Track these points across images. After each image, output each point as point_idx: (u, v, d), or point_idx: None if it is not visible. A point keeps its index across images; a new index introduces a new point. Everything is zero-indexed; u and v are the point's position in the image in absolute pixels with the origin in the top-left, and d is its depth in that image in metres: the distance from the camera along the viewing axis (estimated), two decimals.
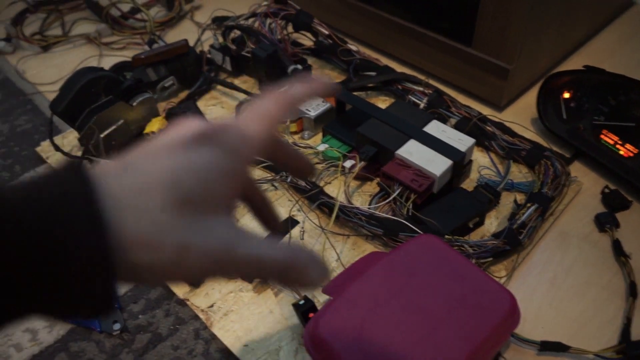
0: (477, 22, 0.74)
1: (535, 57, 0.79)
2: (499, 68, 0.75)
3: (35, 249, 0.21)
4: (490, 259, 0.58)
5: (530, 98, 0.82)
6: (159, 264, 0.24)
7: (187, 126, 0.27)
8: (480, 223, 0.64)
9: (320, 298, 0.57)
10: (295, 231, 0.64)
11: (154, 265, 0.24)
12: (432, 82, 0.80)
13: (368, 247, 0.62)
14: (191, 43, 0.86)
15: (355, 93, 0.77)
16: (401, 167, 0.63)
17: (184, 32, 1.02)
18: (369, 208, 0.63)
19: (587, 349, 0.52)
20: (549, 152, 0.69)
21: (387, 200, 0.63)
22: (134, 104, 0.69)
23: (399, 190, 0.62)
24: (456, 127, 0.72)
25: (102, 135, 0.66)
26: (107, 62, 0.93)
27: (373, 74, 0.82)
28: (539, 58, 0.80)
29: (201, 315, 0.56)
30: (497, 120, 0.74)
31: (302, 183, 0.66)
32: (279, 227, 0.37)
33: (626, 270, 0.59)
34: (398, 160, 0.64)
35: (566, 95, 0.73)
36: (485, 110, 0.79)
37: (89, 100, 0.67)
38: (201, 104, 0.83)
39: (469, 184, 0.68)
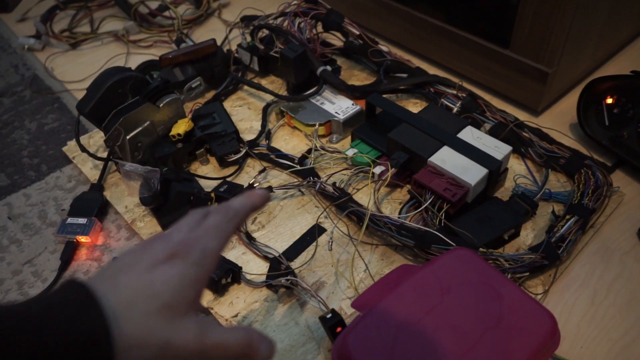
0: (516, 23, 0.71)
1: (576, 60, 0.75)
2: (538, 71, 0.71)
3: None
4: (527, 274, 0.55)
5: (569, 102, 0.78)
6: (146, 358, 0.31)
7: (160, 245, 0.34)
8: (516, 235, 0.61)
9: (347, 311, 0.55)
10: (323, 239, 0.62)
11: None
12: (465, 85, 0.77)
13: (397, 258, 0.60)
14: (218, 41, 0.84)
15: (385, 96, 0.75)
16: (434, 175, 0.61)
17: (211, 30, 1.01)
18: (399, 217, 0.60)
19: None
20: (590, 160, 0.66)
21: (419, 210, 0.60)
22: (161, 105, 0.68)
23: (431, 199, 0.60)
24: (491, 132, 0.69)
25: (128, 137, 0.65)
26: (135, 60, 0.92)
27: (404, 75, 0.80)
28: (580, 61, 0.77)
29: (225, 325, 0.55)
30: (534, 125, 0.71)
31: (330, 189, 0.64)
32: None
33: None
34: (430, 167, 0.61)
35: (609, 100, 0.69)
36: (521, 115, 0.76)
37: (116, 101, 0.66)
38: (227, 104, 0.81)
39: (503, 193, 0.65)
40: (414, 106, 0.79)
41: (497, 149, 0.62)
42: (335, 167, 0.70)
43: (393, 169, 0.63)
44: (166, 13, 1.01)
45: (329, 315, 0.52)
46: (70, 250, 0.63)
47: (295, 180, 0.68)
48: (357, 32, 0.83)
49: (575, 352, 0.52)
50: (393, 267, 0.57)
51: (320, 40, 0.86)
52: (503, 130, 0.69)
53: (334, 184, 0.65)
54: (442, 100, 0.75)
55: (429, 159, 0.61)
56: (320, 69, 0.76)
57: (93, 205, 0.67)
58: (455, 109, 0.73)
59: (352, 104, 0.74)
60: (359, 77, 0.85)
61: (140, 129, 0.66)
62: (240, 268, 0.58)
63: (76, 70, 0.93)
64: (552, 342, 0.45)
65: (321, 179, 0.66)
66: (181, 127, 0.68)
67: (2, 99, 0.89)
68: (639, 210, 0.64)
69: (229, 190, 0.65)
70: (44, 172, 0.75)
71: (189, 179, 0.67)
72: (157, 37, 0.98)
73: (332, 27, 0.83)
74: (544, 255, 0.56)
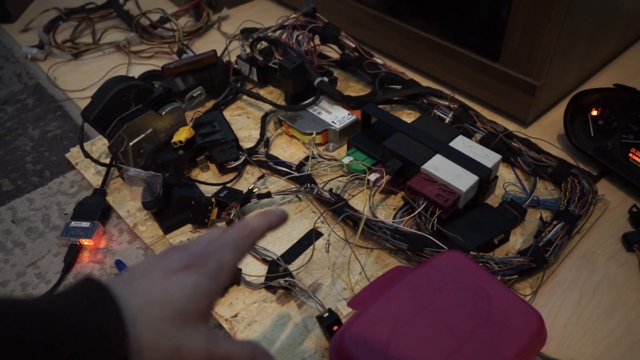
0: (506, 37, 0.74)
1: (564, 74, 0.78)
2: (527, 84, 0.74)
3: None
4: (516, 276, 0.58)
5: (556, 114, 0.81)
6: None
7: (177, 255, 0.35)
8: (506, 239, 0.63)
9: (343, 311, 0.57)
10: (319, 243, 0.64)
11: None
12: (457, 96, 0.80)
13: (392, 261, 0.62)
14: (218, 53, 0.87)
15: (380, 106, 0.77)
16: (427, 181, 0.63)
17: (211, 42, 1.04)
18: (393, 222, 0.63)
19: None
20: (576, 169, 0.68)
21: (412, 215, 0.63)
22: (163, 113, 0.70)
23: (424, 204, 0.62)
24: (481, 142, 0.72)
25: (131, 144, 0.67)
26: (136, 70, 0.95)
27: (398, 87, 0.82)
28: (567, 75, 0.80)
29: (225, 325, 0.57)
30: (523, 136, 0.74)
31: (327, 195, 0.66)
32: None
33: None
34: (424, 174, 0.64)
35: (594, 112, 0.72)
36: (511, 126, 0.79)
37: (120, 108, 0.68)
38: (227, 113, 0.84)
39: (493, 200, 0.68)
40: (408, 116, 0.82)
41: (487, 157, 0.65)
42: (332, 174, 0.72)
43: (388, 175, 0.66)
44: (167, 25, 1.04)
45: (325, 315, 0.53)
46: (73, 253, 0.65)
47: (293, 186, 0.71)
48: (353, 45, 0.85)
49: (562, 352, 0.54)
50: (387, 269, 0.59)
51: (318, 52, 0.89)
52: (493, 140, 0.71)
53: (330, 190, 0.68)
54: (435, 111, 0.77)
55: (422, 167, 0.64)
56: (318, 79, 0.79)
57: (96, 209, 0.69)
58: (447, 120, 0.76)
59: (348, 114, 0.77)
60: (354, 88, 0.88)
61: (143, 135, 0.68)
62: (240, 270, 0.60)
63: (78, 80, 0.95)
64: (540, 340, 0.47)
65: (318, 185, 0.68)
66: (182, 135, 0.71)
67: (5, 106, 0.91)
68: (622, 217, 0.67)
69: (228, 195, 0.68)
70: (47, 178, 0.77)
71: (190, 184, 0.69)
72: (157, 48, 1.01)
73: (329, 40, 0.86)
74: (532, 259, 0.58)
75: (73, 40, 1.03)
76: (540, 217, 0.65)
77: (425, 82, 0.87)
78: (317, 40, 0.88)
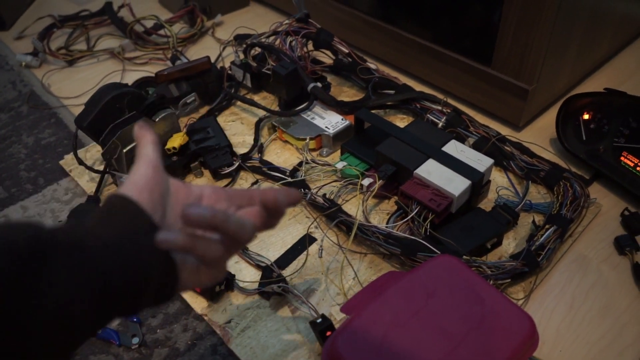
0: (497, 42, 0.74)
1: (555, 78, 0.79)
2: (519, 89, 0.75)
3: (150, 275, 0.35)
4: (509, 280, 0.58)
5: (548, 118, 0.82)
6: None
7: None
8: (498, 244, 0.63)
9: (337, 316, 0.57)
10: (313, 248, 0.64)
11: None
12: (450, 101, 0.80)
13: (385, 266, 0.62)
14: (212, 59, 0.87)
15: (373, 111, 0.78)
16: (420, 186, 0.63)
17: (205, 48, 1.04)
18: (386, 227, 0.63)
19: None
20: (568, 173, 0.69)
21: (405, 220, 0.63)
22: (157, 119, 0.70)
23: (417, 209, 0.63)
24: (474, 146, 0.72)
25: (124, 150, 0.68)
26: (130, 77, 0.95)
27: (392, 92, 0.83)
28: (559, 79, 0.80)
29: (218, 331, 0.57)
30: (515, 140, 0.74)
31: (321, 200, 0.67)
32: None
33: None
34: (416, 179, 0.64)
35: (586, 116, 0.73)
36: (504, 130, 0.80)
37: (113, 115, 0.68)
38: (221, 119, 0.84)
39: (486, 204, 0.68)
40: (401, 121, 0.82)
41: (479, 161, 0.65)
42: (325, 179, 0.72)
43: (381, 180, 0.66)
44: (161, 31, 1.04)
45: (319, 320, 0.54)
46: None
47: None
48: (347, 51, 0.86)
49: (555, 355, 0.54)
50: (381, 274, 0.59)
51: (311, 58, 0.89)
52: (486, 144, 0.72)
53: (324, 195, 0.68)
54: (428, 115, 0.78)
55: (415, 171, 0.64)
56: (311, 85, 0.79)
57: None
58: (440, 124, 0.76)
59: (342, 119, 0.77)
60: (348, 94, 0.89)
61: (136, 142, 0.68)
62: (234, 276, 0.60)
63: (73, 87, 0.95)
64: (531, 343, 0.48)
65: (312, 191, 0.68)
66: (176, 141, 0.71)
67: None
68: (615, 220, 0.67)
69: None
70: (41, 185, 0.77)
71: None
72: (152, 55, 1.01)
73: (323, 46, 0.86)
74: (524, 263, 0.58)
75: (67, 48, 1.03)
76: (533, 221, 0.65)
77: (418, 87, 0.87)
78: (310, 46, 0.88)
